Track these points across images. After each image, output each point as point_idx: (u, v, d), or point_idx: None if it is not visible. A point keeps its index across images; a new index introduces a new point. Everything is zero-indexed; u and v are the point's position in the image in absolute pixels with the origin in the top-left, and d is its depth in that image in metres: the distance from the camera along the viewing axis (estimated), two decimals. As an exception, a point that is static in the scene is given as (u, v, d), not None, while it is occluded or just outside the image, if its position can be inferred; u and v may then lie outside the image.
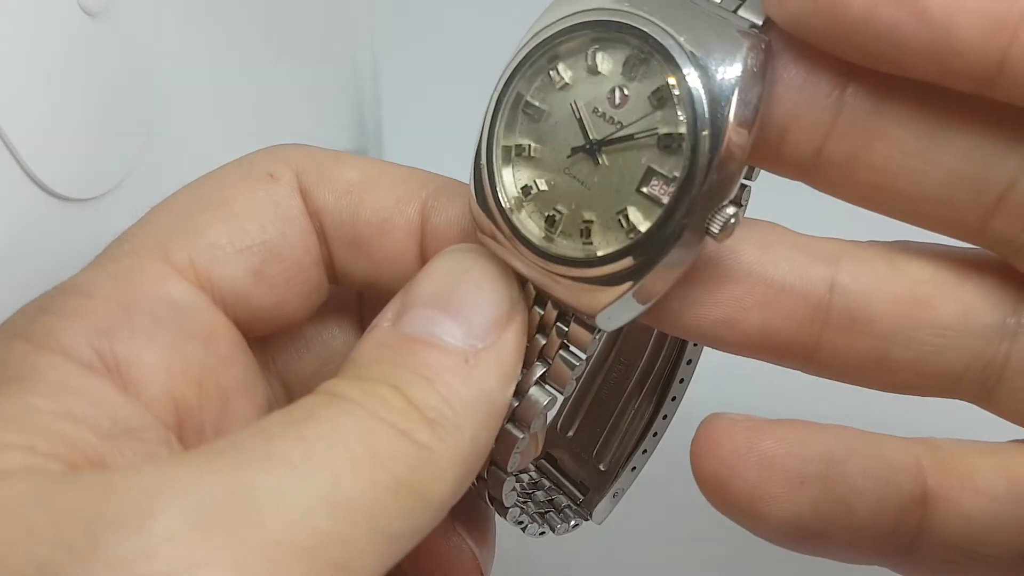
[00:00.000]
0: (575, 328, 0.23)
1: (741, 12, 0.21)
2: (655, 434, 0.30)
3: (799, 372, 0.24)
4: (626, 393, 0.31)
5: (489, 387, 0.22)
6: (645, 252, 0.21)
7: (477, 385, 0.21)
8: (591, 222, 0.21)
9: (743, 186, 0.25)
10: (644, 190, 0.21)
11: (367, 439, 0.19)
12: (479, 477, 0.25)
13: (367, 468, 0.19)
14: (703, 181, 0.20)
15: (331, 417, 0.19)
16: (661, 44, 0.20)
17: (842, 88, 0.21)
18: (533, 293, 0.23)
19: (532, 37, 0.22)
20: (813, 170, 0.22)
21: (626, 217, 0.21)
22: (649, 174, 0.21)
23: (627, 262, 0.21)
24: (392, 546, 0.19)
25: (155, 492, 0.17)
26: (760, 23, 0.21)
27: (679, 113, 0.20)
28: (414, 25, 0.53)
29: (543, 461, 0.32)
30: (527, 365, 0.24)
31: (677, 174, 0.20)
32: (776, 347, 0.23)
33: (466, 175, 0.24)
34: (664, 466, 0.30)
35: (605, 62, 0.21)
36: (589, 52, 0.22)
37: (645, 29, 0.21)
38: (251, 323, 0.24)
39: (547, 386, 0.24)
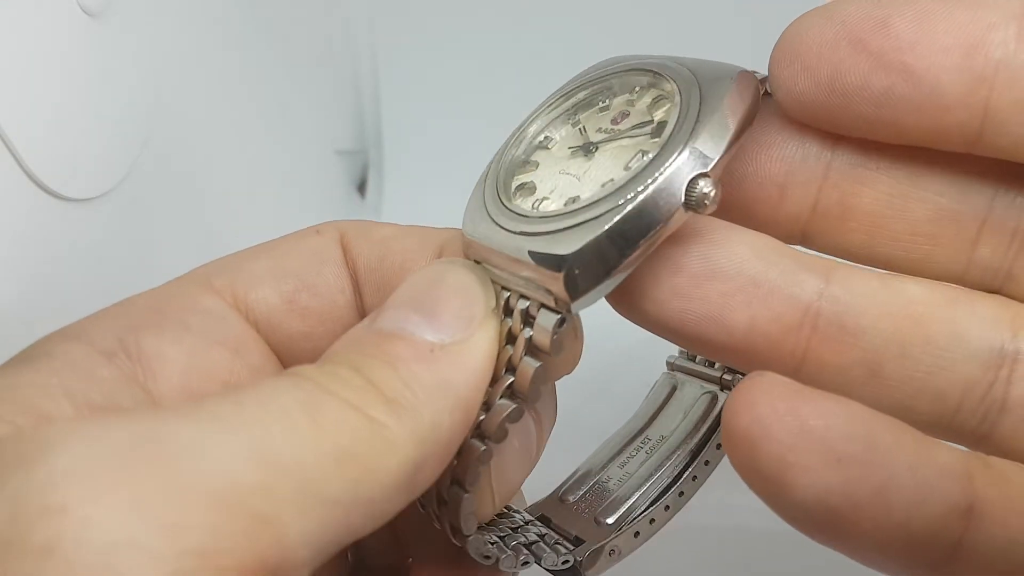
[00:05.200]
0: (541, 316, 0.23)
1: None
2: (667, 508, 0.30)
3: None
4: (642, 468, 0.30)
5: (453, 378, 0.21)
6: (621, 199, 0.21)
7: (440, 374, 0.21)
8: (577, 198, 0.22)
9: None
10: (631, 164, 0.22)
11: (309, 407, 0.19)
12: (440, 502, 0.25)
13: (304, 432, 0.18)
14: (684, 143, 0.21)
15: (275, 386, 0.19)
16: (665, 66, 0.23)
17: (832, 147, 0.23)
18: (504, 302, 0.23)
19: (568, 92, 0.25)
20: (809, 225, 0.24)
21: (610, 181, 0.22)
22: (639, 153, 0.22)
23: (603, 207, 0.21)
24: (331, 511, 0.18)
25: (63, 434, 0.17)
26: (765, 75, 0.23)
27: (674, 96, 0.22)
28: (414, 25, 0.53)
29: (536, 520, 0.30)
30: (495, 380, 0.23)
31: (658, 140, 0.22)
32: (762, 352, 0.23)
33: (463, 175, 0.25)
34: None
35: (617, 96, 0.24)
36: (604, 98, 0.24)
37: (654, 63, 0.23)
38: (282, 350, 0.25)
39: (513, 396, 0.23)
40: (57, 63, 0.26)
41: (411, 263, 0.26)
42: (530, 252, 0.22)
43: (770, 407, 0.21)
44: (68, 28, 0.27)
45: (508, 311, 0.24)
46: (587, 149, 0.23)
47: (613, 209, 0.21)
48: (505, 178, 0.24)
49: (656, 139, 0.22)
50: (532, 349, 0.23)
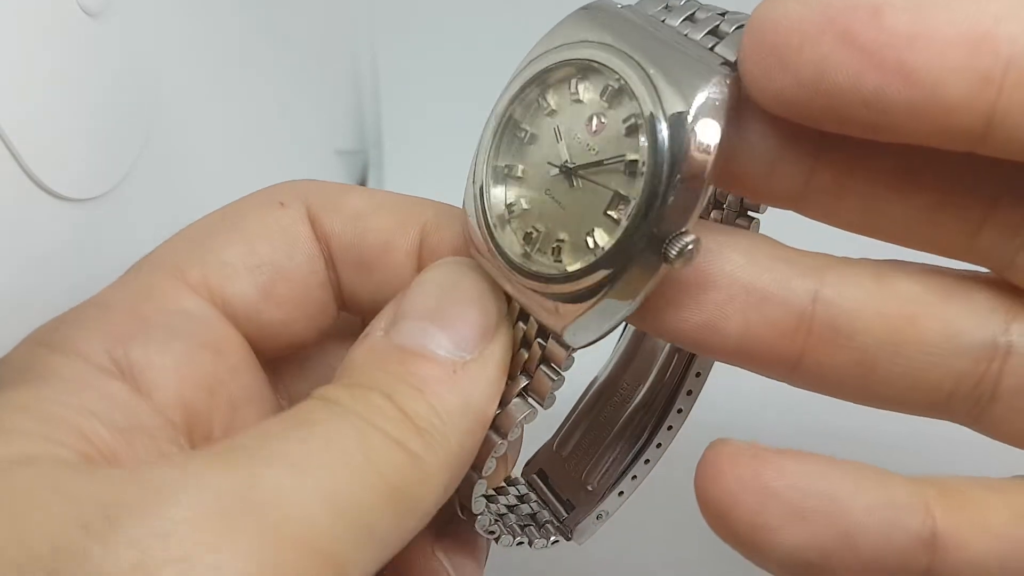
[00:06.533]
0: (551, 345, 0.24)
1: (717, 50, 0.21)
2: (647, 461, 0.31)
3: (808, 403, 0.24)
4: (624, 417, 0.31)
5: (475, 397, 0.23)
6: (605, 270, 0.21)
7: (463, 395, 0.22)
8: (563, 241, 0.22)
9: (751, 219, 0.26)
10: (610, 212, 0.22)
11: (363, 444, 0.20)
12: None
13: (363, 472, 0.20)
14: (659, 205, 0.21)
15: (329, 421, 0.20)
16: (632, 76, 0.21)
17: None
18: (517, 308, 0.24)
19: (527, 67, 0.24)
20: (802, 199, 0.23)
21: (592, 237, 0.22)
22: (616, 198, 0.22)
23: (591, 279, 0.22)
24: (380, 550, 0.20)
25: (171, 481, 0.18)
26: (733, 60, 0.21)
27: (642, 140, 0.21)
28: (414, 24, 0.53)
29: (534, 476, 0.32)
30: (511, 377, 0.25)
31: (635, 198, 0.21)
32: (758, 355, 0.23)
33: (463, 175, 0.25)
34: (657, 492, 0.31)
35: (586, 91, 0.23)
36: (572, 81, 0.23)
37: (620, 61, 0.22)
38: (261, 340, 0.26)
39: (529, 398, 0.25)
40: (57, 63, 0.26)
41: (395, 243, 0.26)
42: (535, 309, 0.23)
43: (734, 476, 0.22)
44: (68, 28, 0.27)
45: (514, 312, 0.24)
46: (570, 176, 0.23)
47: (604, 284, 0.22)
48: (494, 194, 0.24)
49: (630, 189, 0.21)
50: (546, 359, 0.24)
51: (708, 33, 0.22)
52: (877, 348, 0.22)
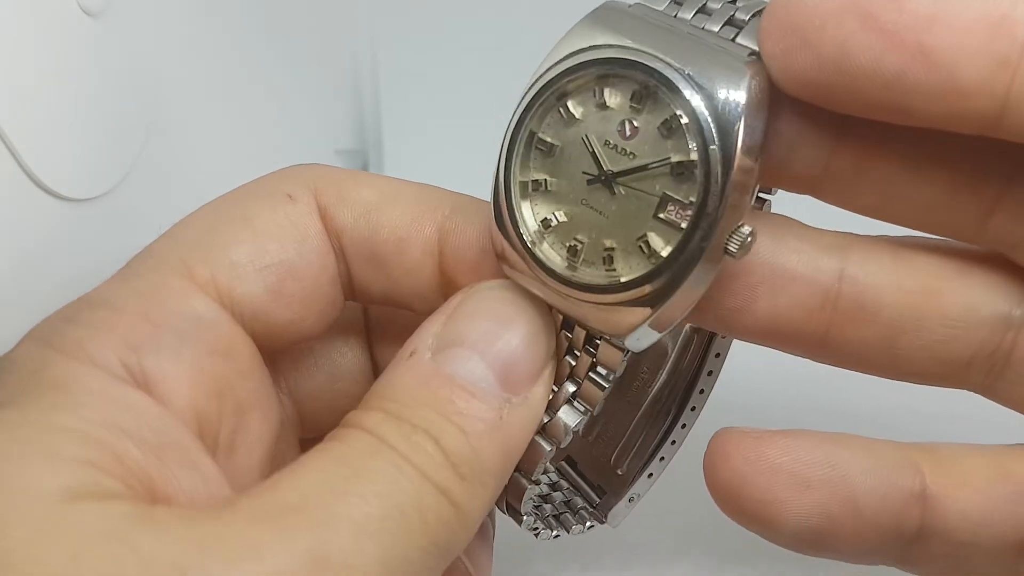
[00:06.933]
0: (604, 348, 0.24)
1: (739, 40, 0.21)
2: (673, 442, 0.31)
3: (814, 387, 0.25)
4: (647, 401, 0.32)
5: (516, 440, 0.23)
6: (667, 275, 0.21)
7: (506, 440, 0.23)
8: (612, 249, 0.22)
9: (763, 201, 0.26)
10: (661, 216, 0.22)
11: (419, 505, 0.20)
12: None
13: (418, 536, 0.20)
14: (718, 204, 0.21)
15: (386, 475, 0.21)
16: (666, 77, 0.21)
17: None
18: (561, 318, 0.24)
19: (539, 77, 0.23)
20: (820, 184, 0.23)
21: (646, 243, 0.22)
22: (665, 200, 0.22)
23: (650, 286, 0.22)
24: None
25: (241, 547, 0.18)
26: (758, 49, 0.21)
27: (689, 141, 0.21)
28: (414, 24, 0.53)
29: (563, 463, 0.33)
30: (558, 383, 0.25)
31: (693, 199, 0.21)
32: (787, 334, 0.24)
33: (463, 175, 0.25)
34: (682, 474, 0.31)
35: (613, 97, 0.22)
36: (596, 88, 0.22)
37: (650, 64, 0.21)
38: (267, 338, 0.25)
39: (576, 404, 0.25)
40: (57, 63, 0.26)
41: (410, 239, 0.25)
42: (588, 319, 0.23)
43: (741, 458, 0.24)
44: (68, 28, 0.27)
45: (558, 322, 0.24)
46: (609, 184, 0.22)
47: (666, 288, 0.21)
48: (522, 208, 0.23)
49: (681, 190, 0.21)
50: (596, 364, 0.24)
51: (726, 24, 0.22)
52: (901, 322, 0.23)
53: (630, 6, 0.23)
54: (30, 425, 0.19)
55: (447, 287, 0.26)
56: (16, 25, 0.25)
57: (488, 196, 0.24)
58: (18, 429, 0.19)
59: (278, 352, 0.27)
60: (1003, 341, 0.23)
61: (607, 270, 0.22)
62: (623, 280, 0.22)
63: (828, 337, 0.24)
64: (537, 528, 0.28)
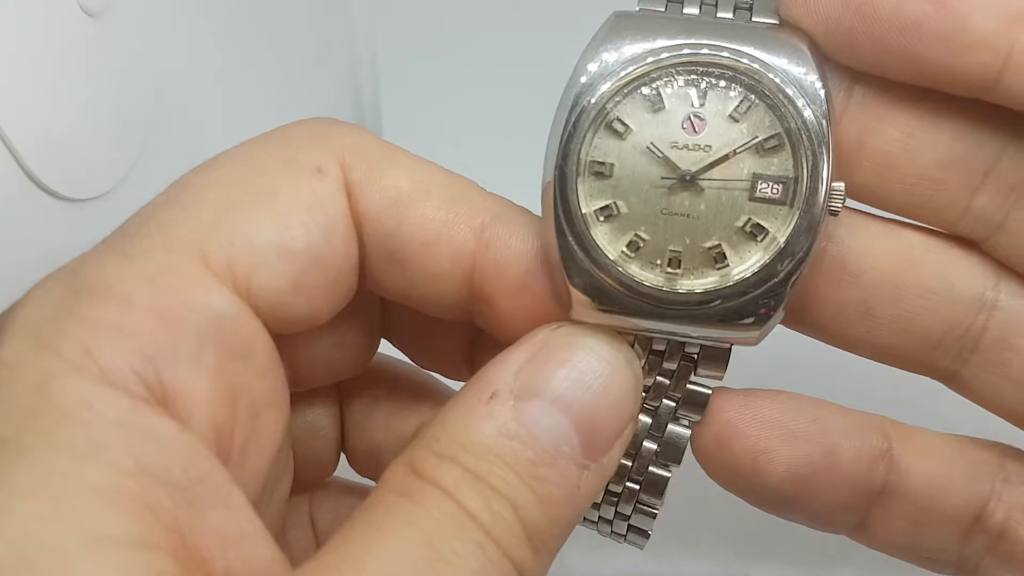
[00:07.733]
0: (704, 365, 0.24)
1: (756, 19, 0.22)
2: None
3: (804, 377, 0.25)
4: None
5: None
6: (792, 255, 0.22)
7: (576, 509, 0.22)
8: (717, 246, 0.22)
9: None
10: (758, 195, 0.22)
11: None
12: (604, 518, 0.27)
13: None
14: (825, 172, 0.22)
15: (470, 561, 0.20)
16: (731, 61, 0.22)
17: (851, 82, 0.23)
18: (643, 355, 0.24)
19: (579, 98, 0.22)
20: None
21: (757, 225, 0.22)
22: (756, 180, 0.22)
23: (779, 271, 0.22)
24: None
25: None
26: (776, 23, 0.22)
27: (773, 117, 0.22)
28: (414, 22, 0.53)
29: None
30: (648, 414, 0.25)
31: (788, 170, 0.22)
32: None
33: (463, 169, 0.24)
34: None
35: (669, 97, 0.22)
36: (640, 92, 0.22)
37: (704, 55, 0.22)
38: (278, 329, 0.23)
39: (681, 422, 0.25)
40: (57, 63, 0.26)
41: (437, 246, 0.23)
42: (703, 338, 0.23)
43: (734, 410, 0.25)
44: (68, 28, 0.27)
45: (648, 348, 0.24)
46: (689, 184, 0.22)
47: (794, 270, 0.22)
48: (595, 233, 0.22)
49: (775, 162, 0.22)
50: (682, 401, 0.25)
51: (737, 9, 0.22)
52: (880, 289, 0.24)
53: (639, 10, 0.23)
54: (53, 490, 0.17)
55: (477, 304, 0.24)
56: (16, 25, 0.25)
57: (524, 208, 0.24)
58: (41, 497, 0.17)
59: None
60: (974, 323, 0.24)
61: (719, 267, 0.22)
62: (737, 276, 0.22)
63: (808, 297, 0.24)
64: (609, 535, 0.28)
